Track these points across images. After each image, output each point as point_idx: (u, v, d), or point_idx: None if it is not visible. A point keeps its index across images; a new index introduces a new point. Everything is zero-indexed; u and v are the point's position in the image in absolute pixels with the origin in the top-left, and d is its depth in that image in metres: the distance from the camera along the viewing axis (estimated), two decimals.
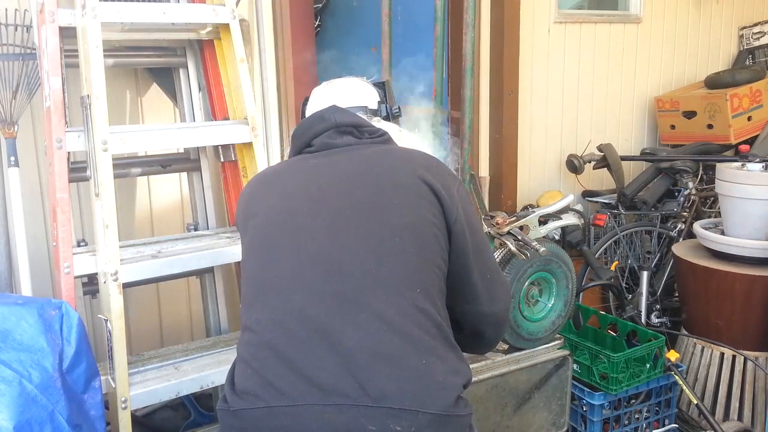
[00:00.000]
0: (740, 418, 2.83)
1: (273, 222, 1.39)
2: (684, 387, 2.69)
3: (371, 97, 1.62)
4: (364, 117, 1.54)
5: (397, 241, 1.32)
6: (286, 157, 1.61)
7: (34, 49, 2.10)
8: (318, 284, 1.29)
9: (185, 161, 2.49)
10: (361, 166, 1.41)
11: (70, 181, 1.90)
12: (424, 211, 1.36)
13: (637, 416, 2.78)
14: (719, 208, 3.06)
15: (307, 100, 1.67)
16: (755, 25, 4.38)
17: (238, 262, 2.11)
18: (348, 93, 1.59)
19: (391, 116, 1.62)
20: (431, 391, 1.22)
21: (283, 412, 1.22)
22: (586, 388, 2.66)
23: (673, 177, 3.58)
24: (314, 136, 1.48)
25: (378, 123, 1.56)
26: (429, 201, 1.37)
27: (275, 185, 1.46)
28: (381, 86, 1.66)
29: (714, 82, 3.96)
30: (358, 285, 1.28)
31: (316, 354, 1.24)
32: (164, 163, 2.44)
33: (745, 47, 4.41)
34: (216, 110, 2.29)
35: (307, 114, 1.58)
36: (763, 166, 2.81)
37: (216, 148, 2.23)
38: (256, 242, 1.40)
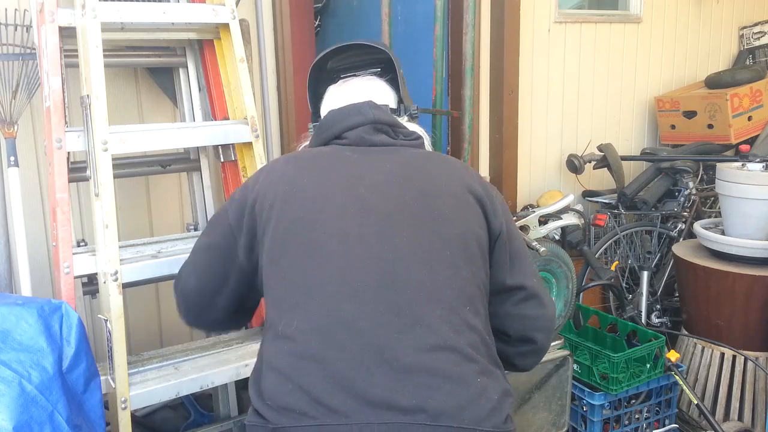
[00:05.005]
0: (740, 418, 2.83)
1: (316, 220, 1.30)
2: (684, 387, 2.68)
3: (391, 97, 1.55)
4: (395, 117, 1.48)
5: (448, 254, 1.29)
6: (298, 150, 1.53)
7: (34, 49, 2.10)
8: (370, 295, 1.23)
9: (185, 161, 2.49)
10: (405, 169, 1.36)
11: (70, 181, 1.90)
12: (471, 223, 1.34)
13: (637, 416, 2.78)
14: (719, 208, 3.05)
15: (310, 85, 1.61)
16: (755, 25, 4.38)
17: None
18: (370, 92, 1.51)
19: (411, 118, 1.55)
20: (487, 410, 1.20)
21: (337, 430, 1.15)
22: (586, 388, 2.66)
23: (673, 177, 3.57)
24: (348, 129, 1.41)
25: (408, 124, 1.51)
26: (475, 212, 1.36)
27: (311, 173, 1.36)
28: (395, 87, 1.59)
29: (714, 82, 3.96)
30: (413, 298, 1.23)
31: (370, 370, 1.18)
32: (164, 163, 2.44)
33: (746, 47, 4.40)
34: (216, 110, 2.29)
35: (323, 111, 1.50)
36: (763, 166, 2.80)
37: (216, 148, 2.22)
38: (295, 239, 1.30)
